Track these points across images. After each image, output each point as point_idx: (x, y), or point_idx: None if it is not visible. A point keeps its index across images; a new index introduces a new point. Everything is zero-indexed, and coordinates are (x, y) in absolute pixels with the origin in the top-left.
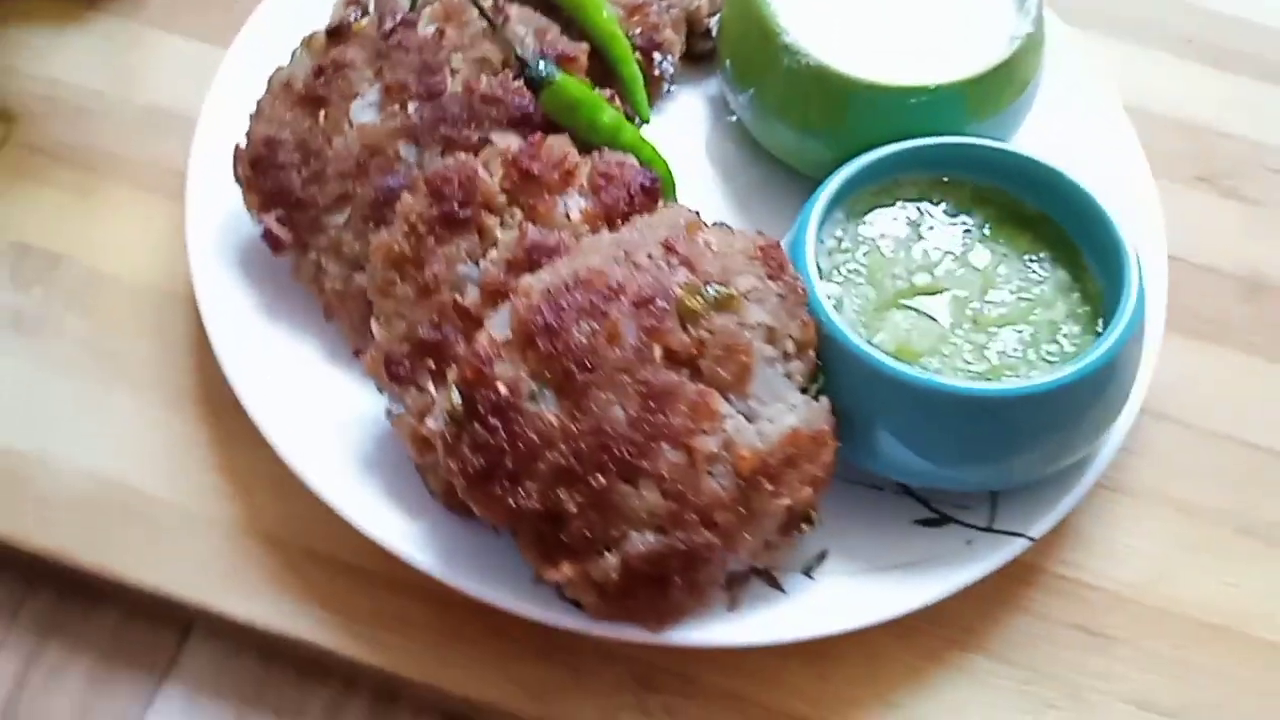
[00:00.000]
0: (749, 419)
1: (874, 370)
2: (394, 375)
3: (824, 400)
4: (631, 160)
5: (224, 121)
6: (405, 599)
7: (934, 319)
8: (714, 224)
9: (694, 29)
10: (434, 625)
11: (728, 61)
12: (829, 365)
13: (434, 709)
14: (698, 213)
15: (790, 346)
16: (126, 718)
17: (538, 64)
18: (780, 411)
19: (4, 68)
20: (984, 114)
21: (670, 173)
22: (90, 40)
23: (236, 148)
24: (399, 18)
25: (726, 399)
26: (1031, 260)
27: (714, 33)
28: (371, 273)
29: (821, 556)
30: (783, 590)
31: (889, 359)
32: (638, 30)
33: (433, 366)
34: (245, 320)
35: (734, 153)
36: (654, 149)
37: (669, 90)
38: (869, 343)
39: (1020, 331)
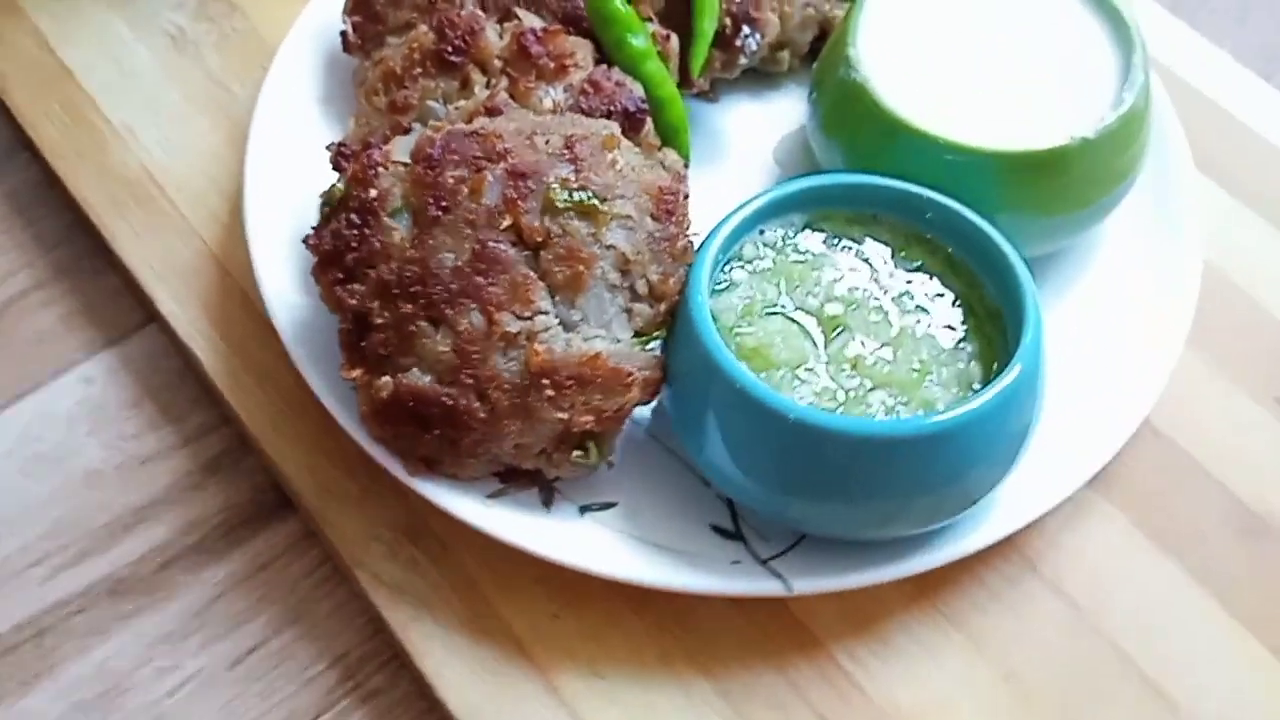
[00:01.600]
0: (565, 326)
1: (708, 355)
2: (337, 164)
3: (654, 351)
4: (631, 84)
5: None
6: (274, 363)
7: (813, 342)
8: (644, 154)
9: (824, 35)
10: (289, 391)
11: (815, 64)
12: (677, 332)
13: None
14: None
15: (642, 287)
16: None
17: None
18: (597, 335)
19: None
20: (1032, 198)
21: (684, 122)
22: None
23: None
24: None
25: (552, 297)
26: (961, 346)
27: None
28: (369, 78)
29: (606, 506)
30: (547, 508)
31: (724, 349)
32: (738, 0)
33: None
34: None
35: (798, 156)
36: (675, 91)
37: (744, 64)
38: (726, 328)
39: (891, 397)
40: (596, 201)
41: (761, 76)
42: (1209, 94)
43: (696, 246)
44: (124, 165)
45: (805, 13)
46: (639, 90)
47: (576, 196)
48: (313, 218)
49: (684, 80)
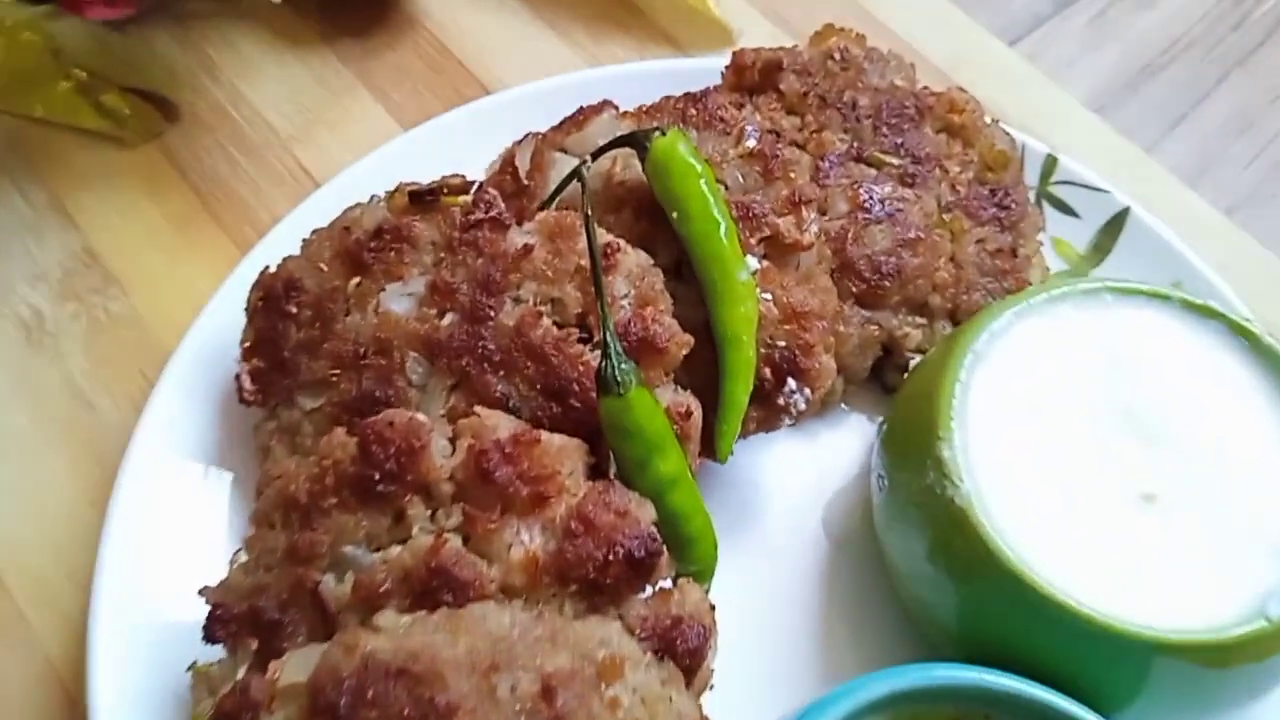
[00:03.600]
0: None
1: None
2: (211, 634)
3: None
4: (639, 514)
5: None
6: None
7: None
8: (665, 666)
9: (890, 355)
10: None
11: (887, 424)
12: None
13: None
14: (655, 655)
15: None
16: None
17: (618, 359)
18: None
19: (201, 59)
20: (1193, 696)
21: (714, 549)
22: (299, 72)
23: (263, 271)
24: (491, 211)
25: None
26: None
27: (906, 373)
28: (263, 499)
29: None
30: None
31: None
32: (783, 344)
33: (253, 650)
34: (178, 456)
35: (856, 531)
36: (706, 519)
37: (786, 425)
38: None
39: None
40: None
41: None
42: None
43: None
44: None
45: (865, 332)
46: (648, 515)
47: None
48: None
49: (705, 451)
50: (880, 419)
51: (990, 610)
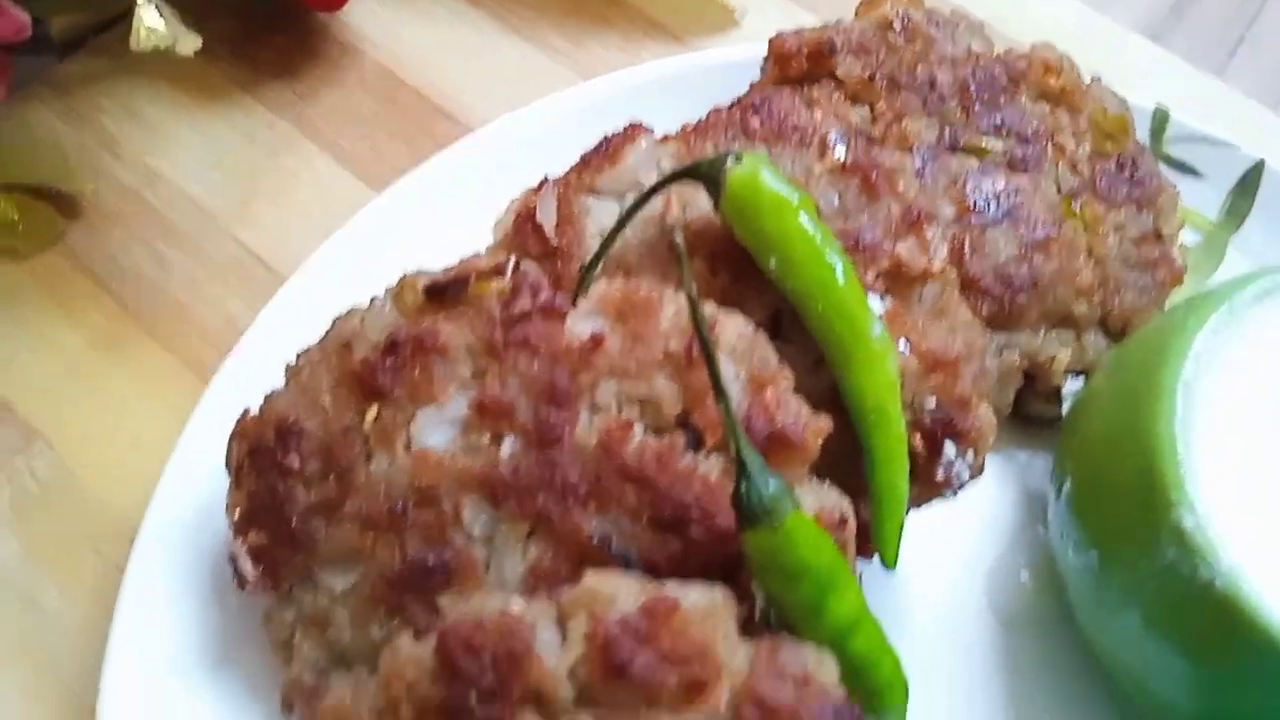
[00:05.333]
0: None
1: None
2: None
3: None
4: (824, 679)
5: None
6: None
7: None
8: None
9: (1035, 382)
10: None
11: (1069, 480)
12: None
13: None
14: None
15: None
16: None
17: (761, 477)
18: None
19: (98, 134)
20: None
21: (906, 694)
22: (221, 133)
23: (243, 416)
24: (544, 298)
25: None
26: None
27: (1063, 401)
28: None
29: None
30: None
31: None
32: (932, 400)
33: None
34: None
35: (1026, 598)
36: (895, 660)
37: (947, 498)
38: None
39: None
40: None
41: None
42: None
43: None
44: None
45: (1004, 361)
46: (834, 675)
47: None
48: None
49: (862, 549)
50: (1023, 457)
51: (1257, 707)
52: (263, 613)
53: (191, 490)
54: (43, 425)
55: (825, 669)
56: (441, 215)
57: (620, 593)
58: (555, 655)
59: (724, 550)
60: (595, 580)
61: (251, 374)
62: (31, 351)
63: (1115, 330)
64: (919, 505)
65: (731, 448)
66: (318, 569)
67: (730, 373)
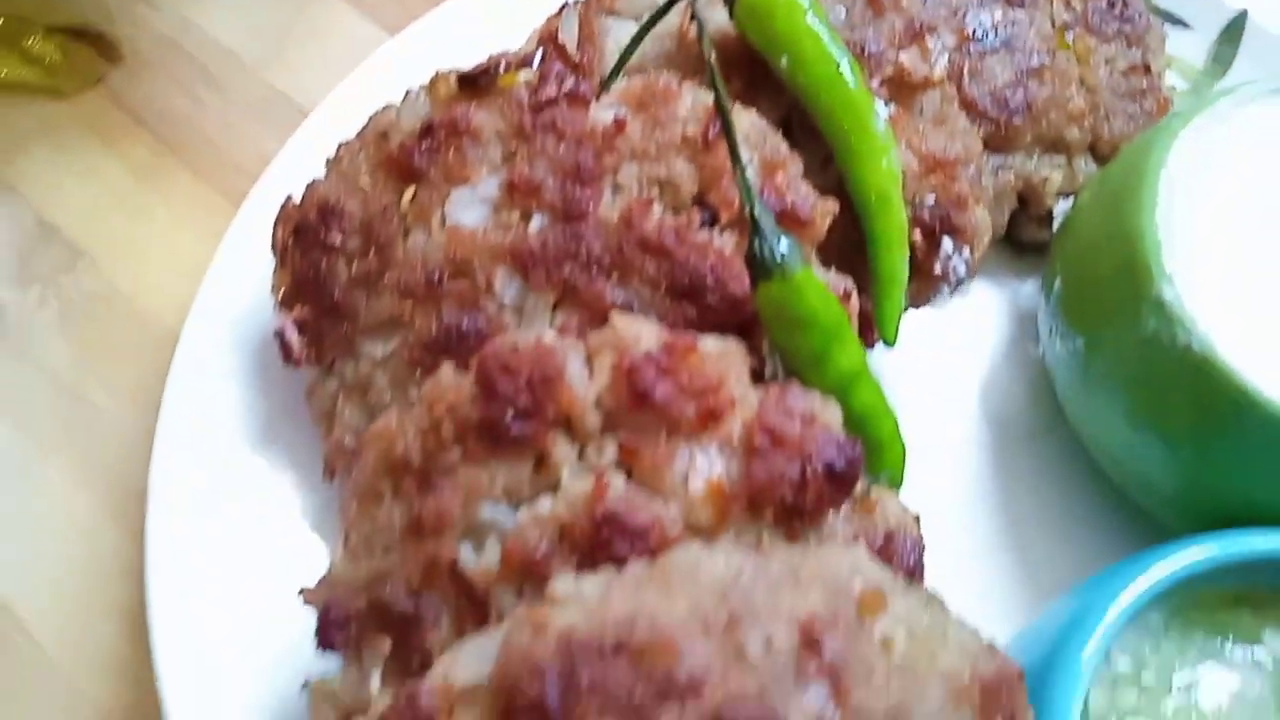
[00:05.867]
0: None
1: None
2: (328, 640)
3: None
4: (828, 418)
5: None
6: None
7: None
8: (921, 590)
9: (1028, 206)
10: None
11: (1059, 280)
12: None
13: None
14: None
15: None
16: None
17: (774, 234)
18: None
19: None
20: None
21: (903, 449)
22: None
23: (286, 202)
24: (569, 85)
25: None
26: None
27: (1054, 224)
28: (360, 469)
29: None
30: None
31: None
32: (931, 197)
33: (385, 651)
34: (205, 472)
35: (1025, 412)
36: (894, 421)
37: (945, 295)
38: None
39: None
40: None
41: None
42: None
43: None
44: None
45: (999, 181)
46: (837, 418)
47: None
48: (279, 688)
49: (864, 336)
50: (1015, 282)
51: (1235, 464)
52: (305, 388)
53: (233, 288)
54: (88, 245)
55: (829, 412)
56: (458, 54)
57: (643, 333)
58: (584, 384)
59: (737, 316)
60: (621, 323)
61: (286, 188)
62: (76, 180)
63: (1104, 155)
64: (918, 304)
65: (746, 209)
66: (359, 338)
67: (744, 158)
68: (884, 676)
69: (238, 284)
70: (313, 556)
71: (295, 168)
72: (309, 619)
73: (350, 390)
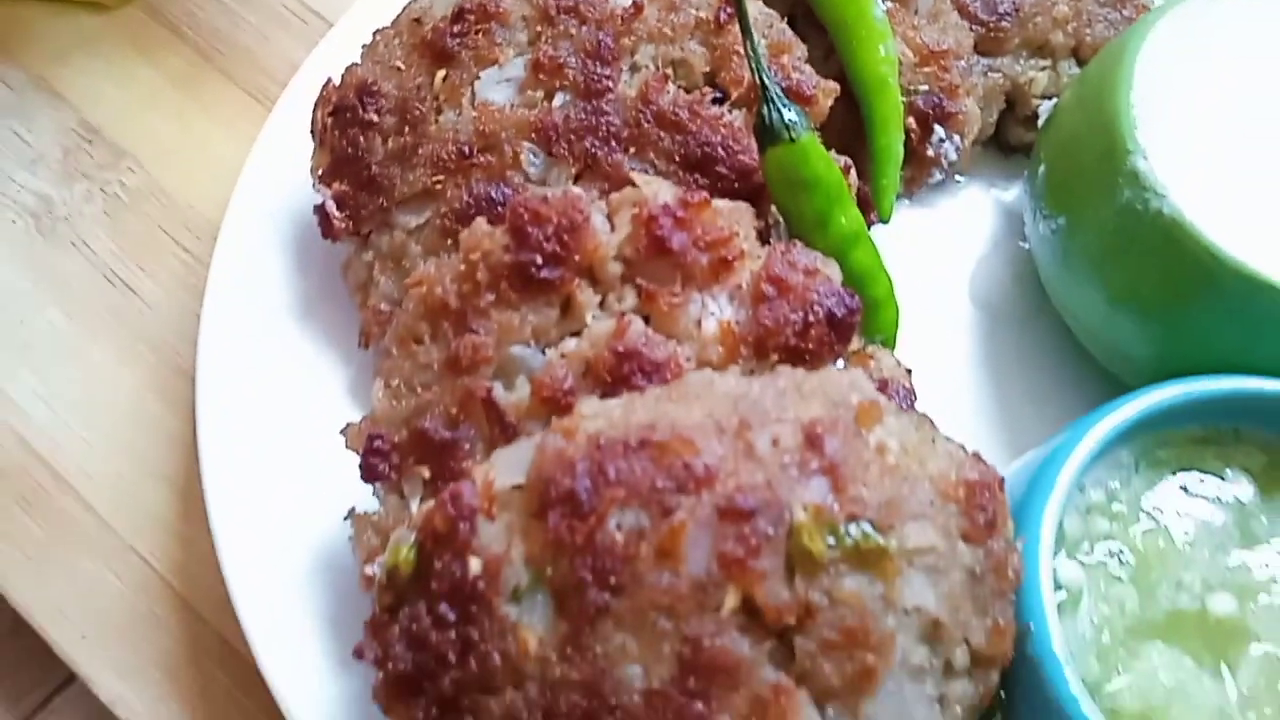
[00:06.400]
0: None
1: None
2: (372, 471)
3: None
4: (828, 269)
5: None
6: None
7: (1218, 676)
8: (912, 412)
9: (1015, 108)
10: None
11: (1043, 168)
12: (1019, 707)
13: None
14: (906, 390)
15: (961, 658)
16: None
17: (781, 102)
18: None
19: None
20: None
21: (897, 312)
22: None
23: (326, 84)
24: None
25: (821, 710)
26: None
27: (1040, 123)
28: (400, 316)
29: None
30: None
31: None
32: (924, 87)
33: (426, 475)
34: (253, 344)
35: (1011, 298)
36: (889, 282)
37: (940, 182)
38: (1096, 695)
39: None
40: (879, 537)
41: None
42: None
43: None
44: None
45: (988, 83)
46: (837, 273)
47: (847, 535)
48: (323, 523)
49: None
50: (1003, 182)
51: (1204, 328)
52: (342, 263)
53: (270, 179)
54: (129, 146)
55: (830, 267)
56: None
57: (661, 190)
58: (606, 235)
59: (745, 186)
60: (642, 180)
61: (316, 91)
62: (116, 87)
63: (1086, 60)
64: (911, 188)
65: (755, 79)
66: (394, 211)
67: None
68: (878, 475)
69: (274, 175)
70: (350, 418)
71: (324, 71)
72: (350, 469)
73: (385, 260)
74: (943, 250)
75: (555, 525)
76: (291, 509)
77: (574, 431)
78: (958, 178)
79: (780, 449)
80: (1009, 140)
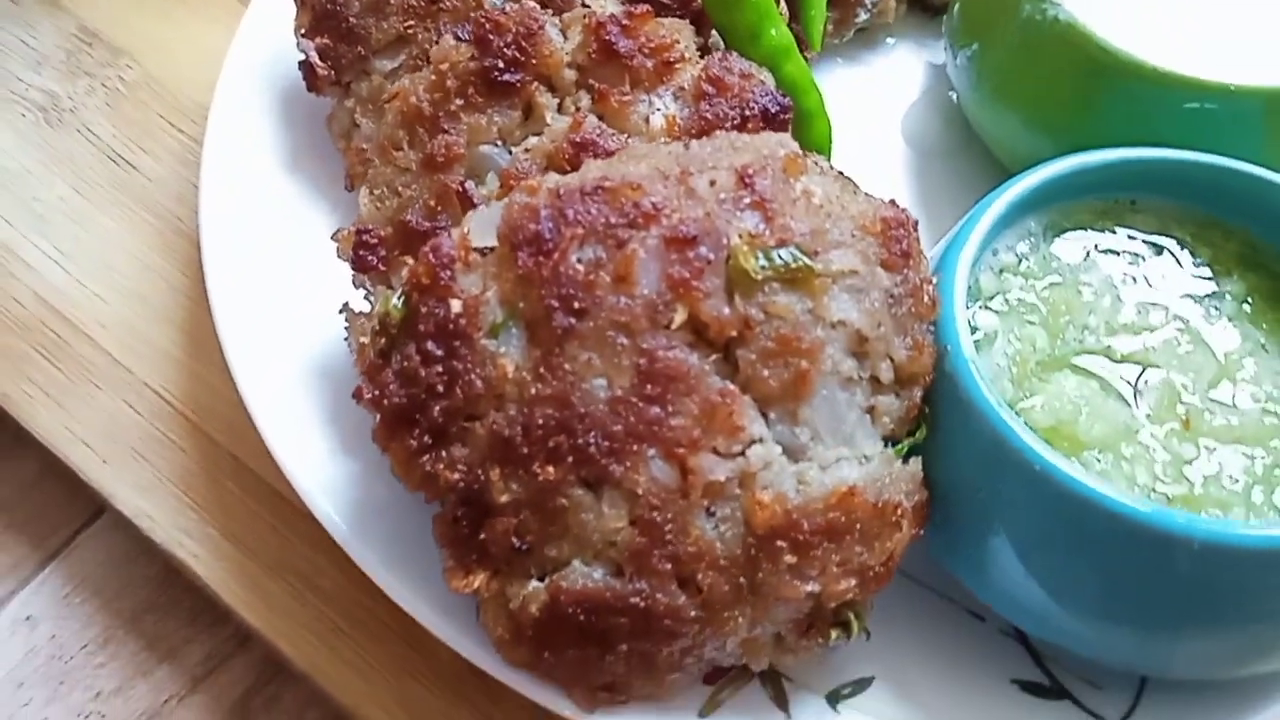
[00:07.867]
0: (790, 454)
1: (1007, 450)
2: (362, 263)
3: (915, 465)
4: (758, 72)
5: None
6: (315, 554)
7: (1124, 400)
8: (832, 171)
9: None
10: (337, 599)
11: (956, 7)
12: (941, 421)
13: (313, 702)
14: (827, 163)
15: (886, 372)
16: None
17: None
18: (840, 458)
19: None
20: None
21: (829, 126)
22: None
23: None
24: None
25: (764, 415)
26: None
27: None
28: (380, 128)
29: (862, 684)
30: (783, 709)
31: (1035, 441)
32: None
33: (410, 263)
34: (250, 189)
35: (936, 131)
36: (820, 96)
37: (861, 22)
38: (1010, 408)
39: (1250, 457)
40: (807, 259)
41: (856, 35)
42: None
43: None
44: (10, 304)
45: None
46: (769, 79)
47: (778, 258)
48: (320, 333)
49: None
50: (931, 41)
51: (1107, 125)
52: (326, 117)
53: (254, 55)
54: (126, 46)
55: (764, 74)
56: None
57: (608, 3)
58: (563, 42)
59: (686, 13)
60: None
61: None
62: None
63: None
64: (841, 31)
65: None
66: (372, 58)
67: None
68: (804, 211)
69: (260, 49)
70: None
71: None
72: (343, 285)
73: (365, 104)
74: (875, 103)
75: (524, 263)
76: (291, 318)
77: (537, 189)
78: (889, 39)
79: (717, 188)
80: (934, 3)
